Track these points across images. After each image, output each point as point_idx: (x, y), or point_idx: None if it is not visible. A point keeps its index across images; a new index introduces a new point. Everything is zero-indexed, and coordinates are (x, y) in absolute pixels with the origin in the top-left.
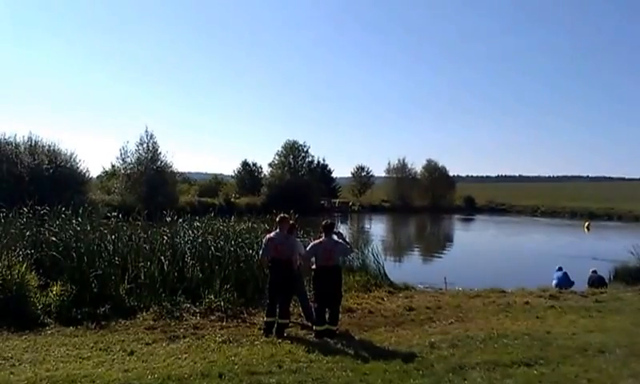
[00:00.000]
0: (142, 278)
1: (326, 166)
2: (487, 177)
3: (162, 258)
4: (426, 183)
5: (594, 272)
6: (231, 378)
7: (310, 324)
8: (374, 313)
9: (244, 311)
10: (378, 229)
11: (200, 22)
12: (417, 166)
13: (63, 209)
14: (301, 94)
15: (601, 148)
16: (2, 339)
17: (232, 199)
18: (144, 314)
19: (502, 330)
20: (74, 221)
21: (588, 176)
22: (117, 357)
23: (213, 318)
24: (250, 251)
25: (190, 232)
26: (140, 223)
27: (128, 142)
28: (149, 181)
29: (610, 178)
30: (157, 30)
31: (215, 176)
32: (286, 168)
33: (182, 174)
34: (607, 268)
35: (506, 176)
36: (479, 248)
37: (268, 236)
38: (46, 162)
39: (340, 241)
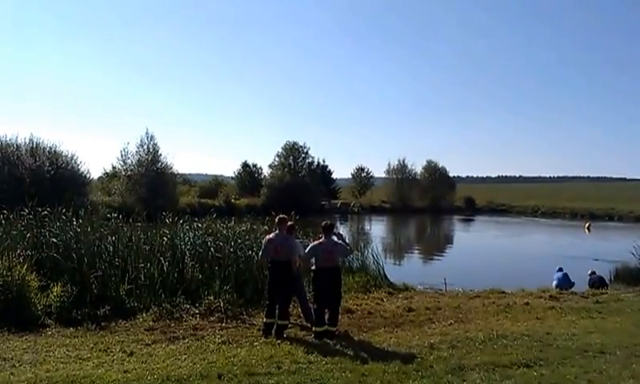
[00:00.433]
0: (142, 279)
1: (326, 166)
2: (487, 177)
3: (162, 259)
4: (425, 184)
5: (593, 273)
6: (230, 378)
7: (309, 325)
8: (373, 314)
9: (243, 312)
10: (377, 230)
11: (200, 22)
12: (417, 166)
13: (64, 210)
14: (301, 95)
15: (601, 148)
16: (3, 340)
17: (232, 200)
18: (144, 314)
19: (502, 331)
20: (74, 222)
21: (589, 176)
22: (116, 358)
23: (212, 318)
24: (250, 252)
25: (190, 233)
26: (140, 224)
27: (128, 143)
28: (149, 182)
29: (610, 178)
30: (157, 30)
31: (215, 177)
32: (285, 169)
33: (182, 175)
34: (608, 269)
35: (506, 176)
36: (479, 249)
37: (267, 237)
38: (47, 164)
39: (339, 242)
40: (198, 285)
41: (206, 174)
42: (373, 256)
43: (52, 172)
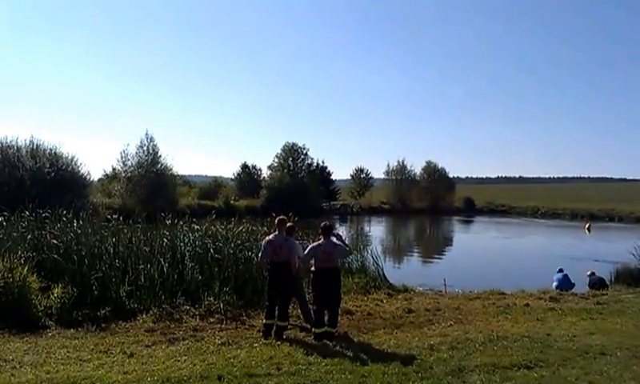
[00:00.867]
0: (142, 280)
1: (326, 168)
2: (487, 178)
3: (162, 260)
4: (425, 185)
5: (592, 274)
6: (230, 380)
7: (308, 326)
8: (372, 315)
9: (243, 313)
10: (377, 231)
11: (199, 24)
12: (416, 167)
13: (64, 212)
14: (300, 97)
15: (601, 149)
16: (4, 341)
17: (231, 201)
18: (144, 316)
19: (502, 333)
20: (74, 224)
21: (589, 177)
22: (117, 359)
23: (212, 320)
24: (250, 253)
25: (190, 234)
26: (140, 226)
27: (128, 145)
28: (149, 184)
29: (610, 178)
30: (157, 32)
31: (215, 178)
32: (285, 170)
33: (181, 176)
34: (608, 270)
35: (505, 177)
36: (479, 250)
37: (267, 238)
38: (48, 166)
39: (339, 243)
40: (198, 286)
41: (206, 176)
42: (372, 257)
43: (52, 174)
